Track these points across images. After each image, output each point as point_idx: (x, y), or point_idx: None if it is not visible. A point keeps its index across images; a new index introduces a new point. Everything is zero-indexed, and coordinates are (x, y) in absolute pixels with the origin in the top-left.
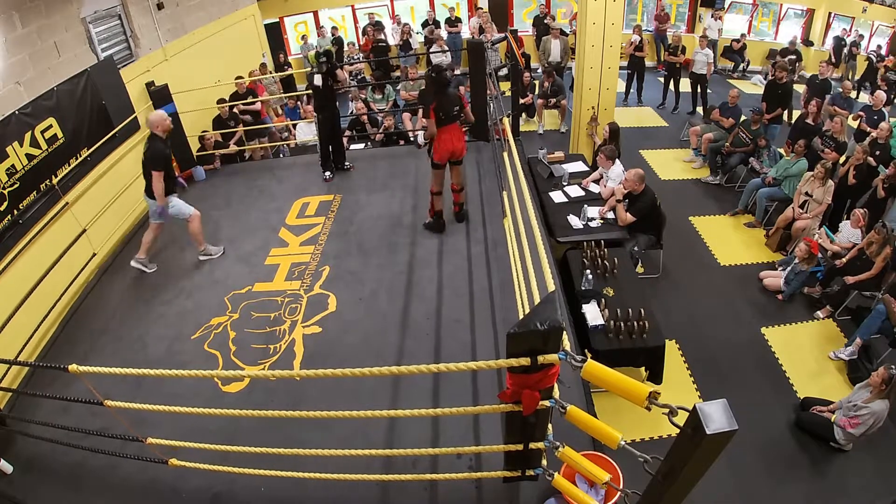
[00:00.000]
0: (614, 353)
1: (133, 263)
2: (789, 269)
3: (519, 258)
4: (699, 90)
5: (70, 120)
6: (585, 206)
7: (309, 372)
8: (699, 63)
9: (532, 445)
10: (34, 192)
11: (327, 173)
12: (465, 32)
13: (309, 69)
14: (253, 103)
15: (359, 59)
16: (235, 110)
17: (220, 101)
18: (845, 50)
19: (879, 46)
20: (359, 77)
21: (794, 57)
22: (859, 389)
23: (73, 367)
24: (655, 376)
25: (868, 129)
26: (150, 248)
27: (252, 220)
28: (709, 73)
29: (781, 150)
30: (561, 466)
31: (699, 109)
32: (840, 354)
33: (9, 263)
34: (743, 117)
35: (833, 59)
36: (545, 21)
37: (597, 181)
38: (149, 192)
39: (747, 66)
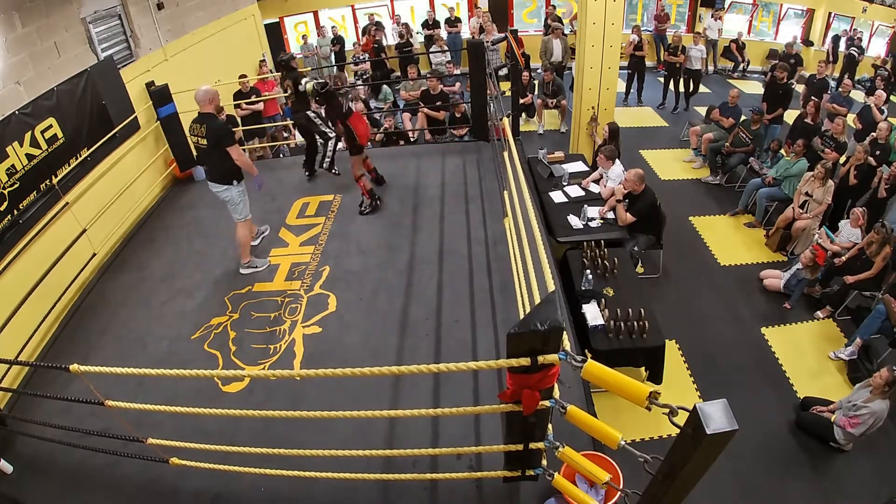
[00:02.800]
0: (614, 353)
1: (243, 271)
2: (790, 274)
3: (519, 258)
4: (691, 86)
5: (70, 120)
6: (585, 206)
7: (309, 372)
8: (693, 59)
9: (532, 445)
10: (34, 192)
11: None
12: (466, 32)
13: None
14: (255, 102)
15: (363, 59)
16: (237, 112)
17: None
18: (840, 48)
19: (860, 38)
20: (364, 77)
21: (793, 61)
22: (859, 389)
23: (74, 366)
24: (655, 376)
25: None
26: (248, 247)
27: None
28: (703, 68)
29: (781, 151)
30: (561, 466)
31: (689, 103)
32: (840, 354)
33: (9, 263)
34: (743, 117)
35: (830, 58)
36: (548, 21)
37: (597, 181)
38: (219, 177)
39: (747, 66)
